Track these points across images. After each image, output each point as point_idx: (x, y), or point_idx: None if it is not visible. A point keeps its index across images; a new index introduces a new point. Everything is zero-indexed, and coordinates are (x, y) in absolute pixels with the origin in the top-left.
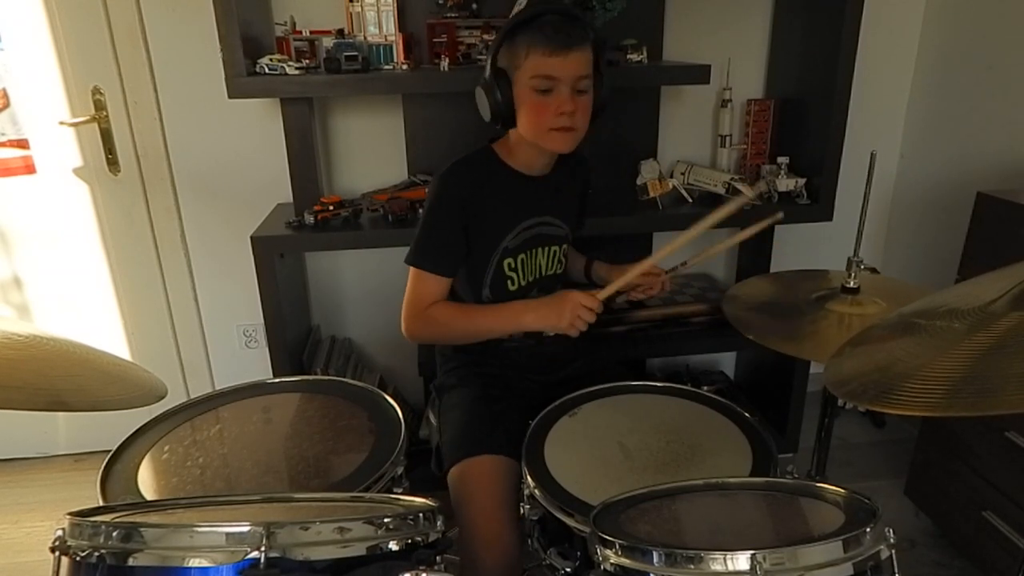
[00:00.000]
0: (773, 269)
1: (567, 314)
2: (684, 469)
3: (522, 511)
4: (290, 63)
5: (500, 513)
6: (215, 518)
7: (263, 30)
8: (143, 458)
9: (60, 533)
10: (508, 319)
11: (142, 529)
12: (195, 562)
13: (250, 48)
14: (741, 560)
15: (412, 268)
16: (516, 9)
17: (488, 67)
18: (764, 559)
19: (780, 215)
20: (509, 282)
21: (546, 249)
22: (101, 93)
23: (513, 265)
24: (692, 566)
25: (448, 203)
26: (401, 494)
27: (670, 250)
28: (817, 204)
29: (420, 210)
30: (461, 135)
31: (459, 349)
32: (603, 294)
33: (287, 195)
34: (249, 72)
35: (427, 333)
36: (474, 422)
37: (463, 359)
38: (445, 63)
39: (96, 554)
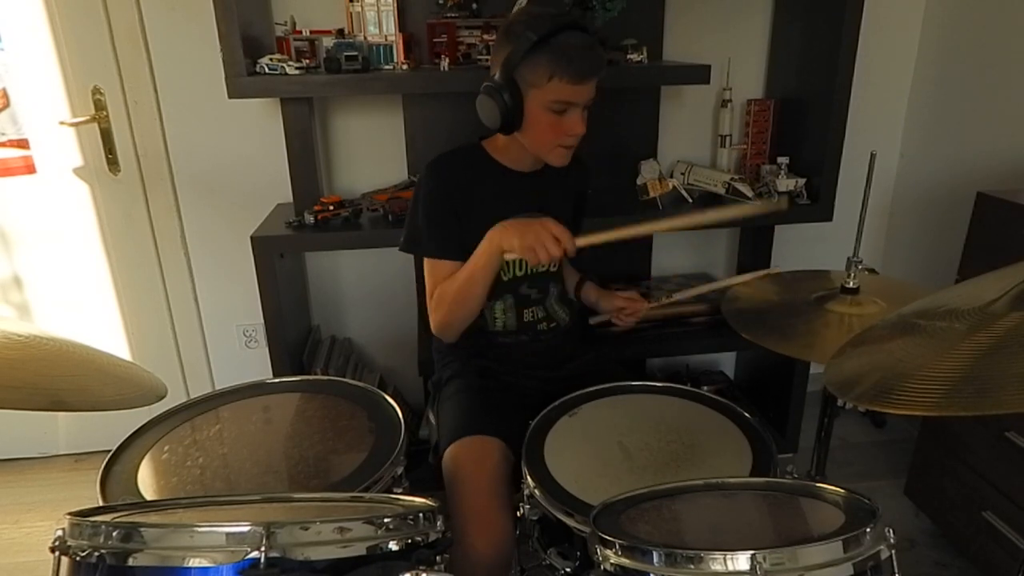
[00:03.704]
0: None
1: (529, 235)
2: (684, 469)
3: (522, 511)
4: (290, 63)
5: (493, 494)
6: (215, 518)
7: (263, 30)
8: (143, 458)
9: (60, 533)
10: (483, 248)
11: (142, 529)
12: (195, 562)
13: (250, 48)
14: (741, 560)
15: (426, 260)
16: (516, 9)
17: (500, 77)
18: (764, 559)
19: (767, 272)
20: (502, 272)
21: None
22: (101, 93)
23: None
24: (692, 566)
25: (439, 191)
26: (401, 494)
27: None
28: (817, 204)
29: None
30: (461, 135)
31: (455, 344)
32: (583, 240)
33: (287, 195)
34: (249, 72)
35: (442, 316)
36: (469, 407)
37: (460, 354)
38: (445, 63)
39: (96, 554)
